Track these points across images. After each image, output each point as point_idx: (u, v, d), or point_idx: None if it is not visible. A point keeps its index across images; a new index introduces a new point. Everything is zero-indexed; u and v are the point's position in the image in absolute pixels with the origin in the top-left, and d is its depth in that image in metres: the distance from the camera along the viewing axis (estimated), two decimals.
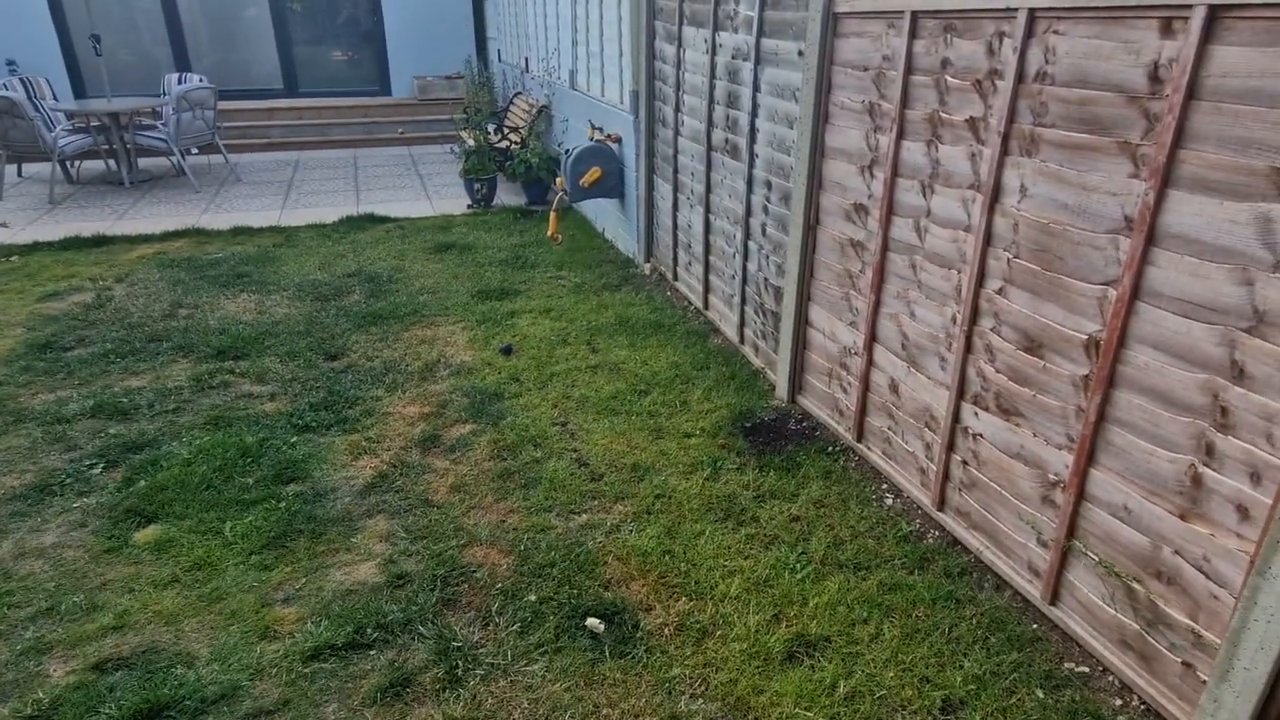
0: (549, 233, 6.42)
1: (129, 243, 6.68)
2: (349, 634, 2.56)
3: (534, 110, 8.29)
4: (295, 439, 3.71)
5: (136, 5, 10.77)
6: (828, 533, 3.06)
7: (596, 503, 3.26)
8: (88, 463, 3.51)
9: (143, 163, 9.27)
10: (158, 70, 10.57)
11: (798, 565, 2.88)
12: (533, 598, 2.74)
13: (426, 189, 8.68)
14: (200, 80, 9.01)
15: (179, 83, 9.14)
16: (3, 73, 9.66)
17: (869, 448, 3.51)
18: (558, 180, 6.62)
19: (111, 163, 8.93)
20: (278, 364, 4.47)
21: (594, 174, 6.11)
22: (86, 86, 10.58)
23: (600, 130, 6.45)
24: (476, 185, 7.81)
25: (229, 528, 3.08)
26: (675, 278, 5.57)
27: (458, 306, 5.32)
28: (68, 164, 8.77)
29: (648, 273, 5.98)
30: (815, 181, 3.59)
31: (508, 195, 8.24)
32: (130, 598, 2.74)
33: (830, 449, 3.63)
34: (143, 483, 3.35)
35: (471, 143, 8.03)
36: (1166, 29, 2.02)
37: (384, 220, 7.40)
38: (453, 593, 2.77)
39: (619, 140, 6.18)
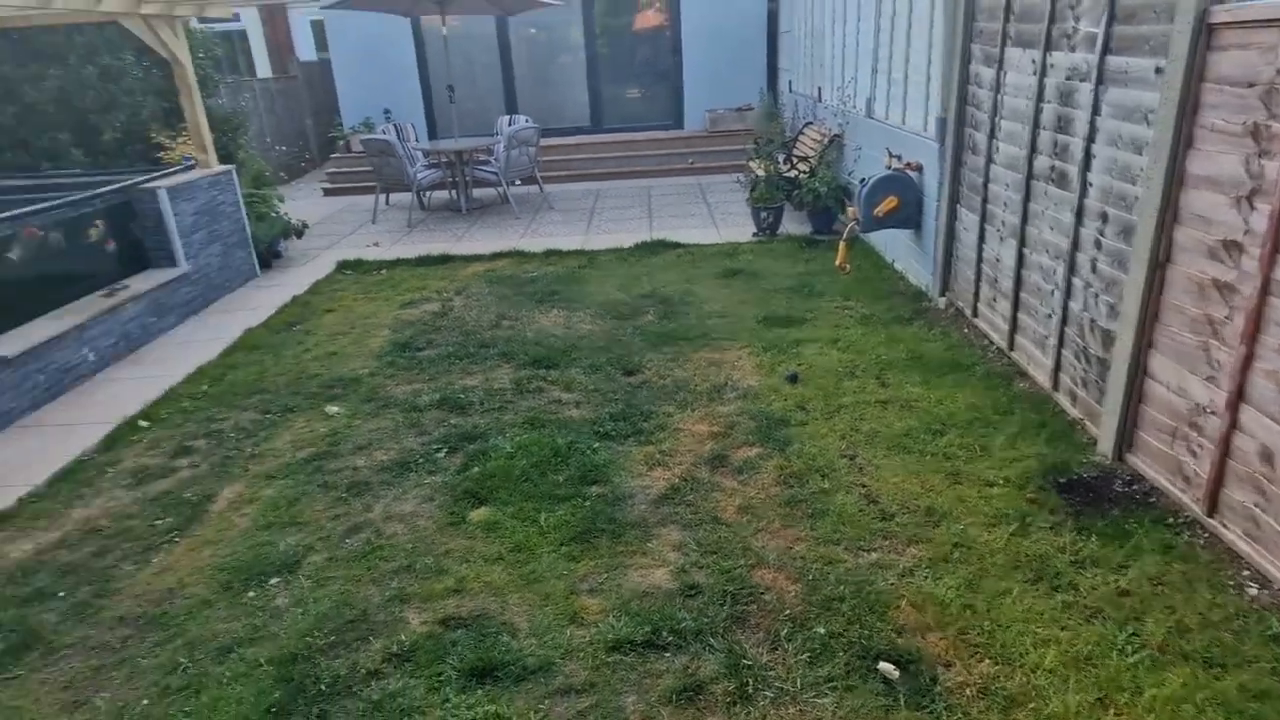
0: (837, 262, 6.35)
1: (465, 261, 7.78)
2: (646, 633, 2.73)
3: (825, 139, 8.28)
4: (597, 445, 4.04)
5: (478, 60, 12.57)
6: (1167, 615, 2.66)
7: (887, 542, 3.15)
8: (435, 446, 4.14)
9: (475, 193, 10.76)
10: (488, 113, 12.22)
11: (1128, 648, 2.53)
12: (821, 630, 2.71)
13: (714, 217, 9.03)
14: (526, 121, 10.26)
15: (509, 124, 10.50)
16: (381, 119, 11.80)
17: (1225, 524, 2.99)
18: (849, 209, 6.54)
19: (453, 193, 10.48)
20: (582, 375, 4.92)
21: (890, 203, 5.94)
22: (438, 128, 12.54)
23: (899, 158, 6.27)
24: (764, 214, 7.97)
25: (543, 518, 3.44)
26: (974, 314, 5.22)
27: (744, 331, 5.46)
28: (422, 194, 10.46)
29: (942, 307, 5.66)
30: (1169, 213, 3.17)
31: (792, 224, 8.30)
32: (466, 567, 3.18)
33: (1170, 520, 3.15)
34: (476, 469, 3.87)
35: (761, 172, 8.22)
36: None
37: (674, 246, 7.82)
38: (742, 611, 2.83)
39: (919, 169, 5.95)
